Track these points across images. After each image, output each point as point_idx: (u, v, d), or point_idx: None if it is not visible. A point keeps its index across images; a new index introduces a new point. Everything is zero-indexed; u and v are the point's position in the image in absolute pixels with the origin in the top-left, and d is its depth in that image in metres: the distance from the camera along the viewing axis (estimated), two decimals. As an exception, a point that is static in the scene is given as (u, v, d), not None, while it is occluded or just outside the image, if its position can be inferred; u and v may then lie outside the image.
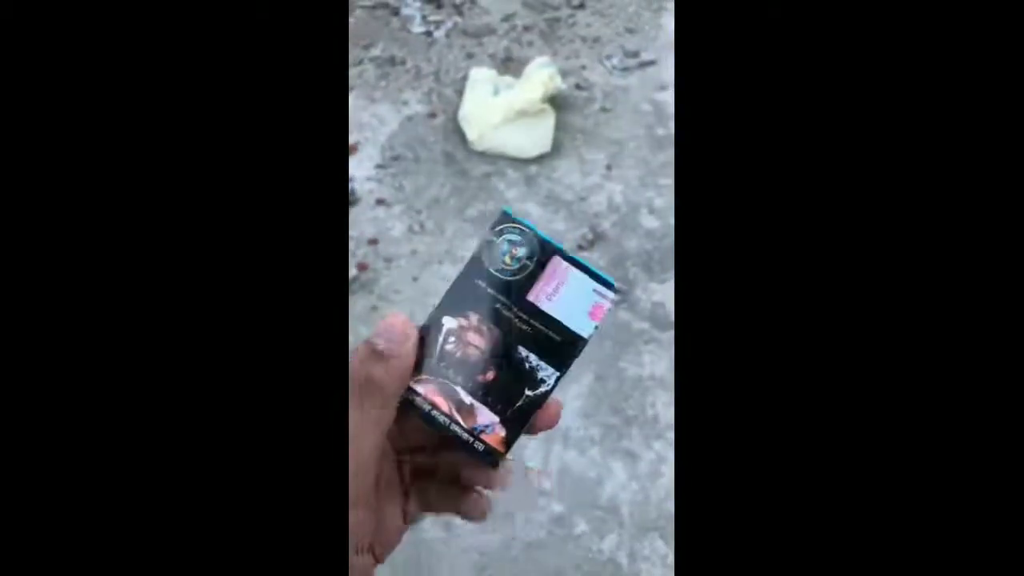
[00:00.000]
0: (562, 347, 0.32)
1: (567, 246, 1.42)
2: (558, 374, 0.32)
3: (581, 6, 1.81)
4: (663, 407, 1.20)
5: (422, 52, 1.70)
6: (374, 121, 1.56)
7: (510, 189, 1.46)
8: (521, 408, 0.31)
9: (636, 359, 1.25)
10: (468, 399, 0.31)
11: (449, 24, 1.76)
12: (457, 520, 1.08)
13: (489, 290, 0.32)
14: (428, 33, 1.74)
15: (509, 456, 0.31)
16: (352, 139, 1.51)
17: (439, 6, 1.79)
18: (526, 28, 1.76)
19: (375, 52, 1.69)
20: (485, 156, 1.50)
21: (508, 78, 1.59)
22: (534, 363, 0.32)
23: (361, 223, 1.40)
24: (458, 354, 0.32)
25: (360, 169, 1.47)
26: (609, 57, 1.70)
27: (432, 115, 1.57)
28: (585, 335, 0.32)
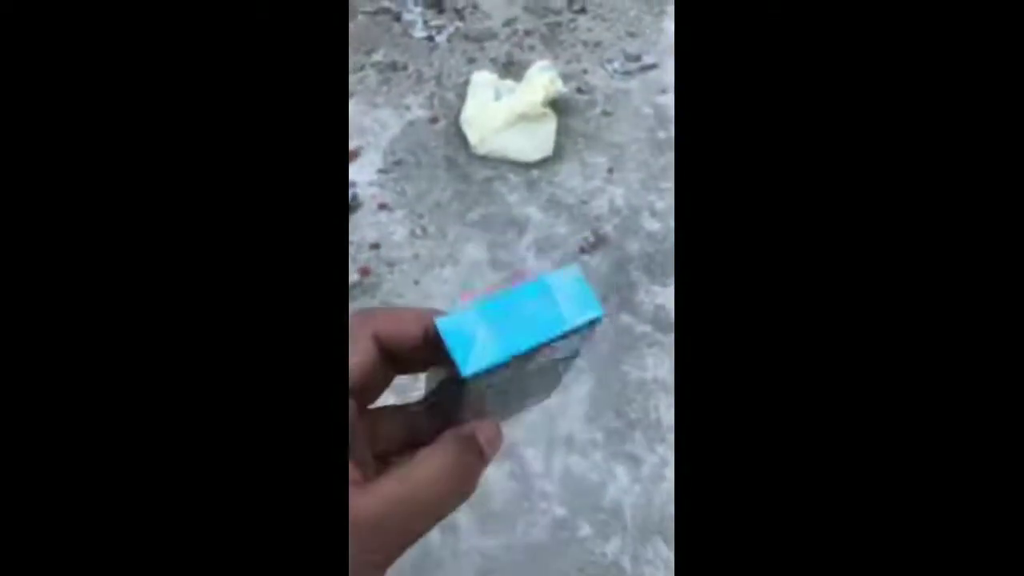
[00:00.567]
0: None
1: (568, 249, 1.41)
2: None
3: (582, 10, 1.81)
4: (666, 410, 1.19)
5: (424, 57, 1.70)
6: (376, 126, 1.57)
7: (512, 193, 1.46)
8: None
9: (639, 362, 1.24)
10: None
11: (451, 29, 1.76)
12: (459, 522, 1.08)
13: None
14: (430, 38, 1.74)
15: None
16: (354, 144, 1.52)
17: (441, 11, 1.80)
18: (527, 32, 1.76)
19: (377, 57, 1.70)
20: (487, 160, 1.50)
21: (509, 82, 1.59)
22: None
23: (363, 228, 1.40)
24: None
25: (362, 174, 1.48)
26: (610, 61, 1.70)
27: (434, 120, 1.58)
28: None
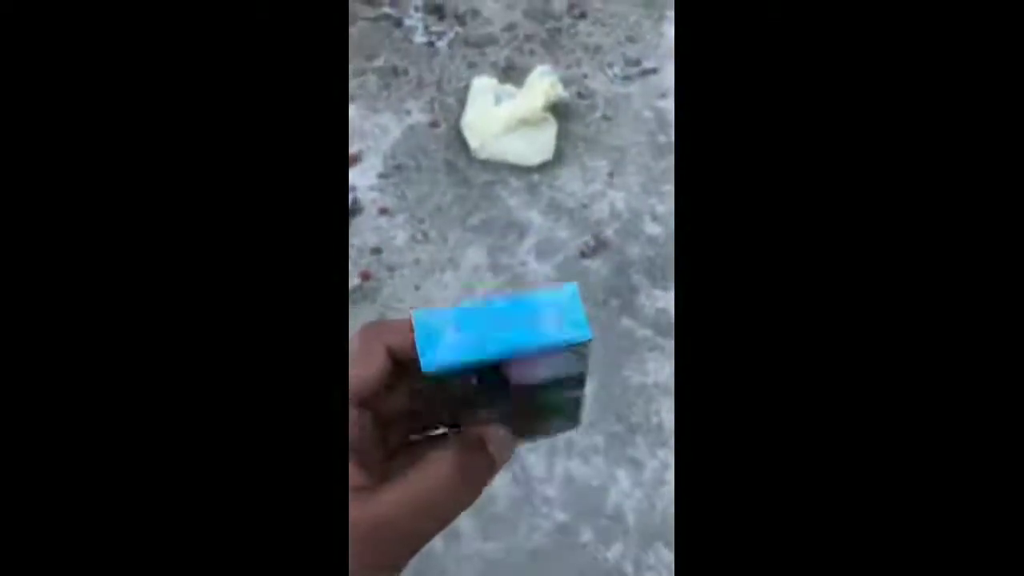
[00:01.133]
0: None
1: (569, 253, 1.41)
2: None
3: (582, 15, 1.82)
4: (667, 414, 1.19)
5: (424, 62, 1.71)
6: (376, 131, 1.57)
7: (512, 197, 1.47)
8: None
9: (640, 367, 1.24)
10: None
11: (451, 34, 1.77)
12: (461, 527, 1.07)
13: None
14: (430, 43, 1.75)
15: None
16: (355, 149, 1.52)
17: (441, 17, 1.80)
18: (527, 37, 1.77)
19: (378, 63, 1.70)
20: (487, 165, 1.50)
21: (510, 87, 1.59)
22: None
23: (364, 232, 1.40)
24: None
25: (363, 179, 1.48)
26: (610, 65, 1.70)
27: (434, 124, 1.58)
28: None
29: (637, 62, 1.70)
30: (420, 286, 1.34)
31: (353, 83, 1.63)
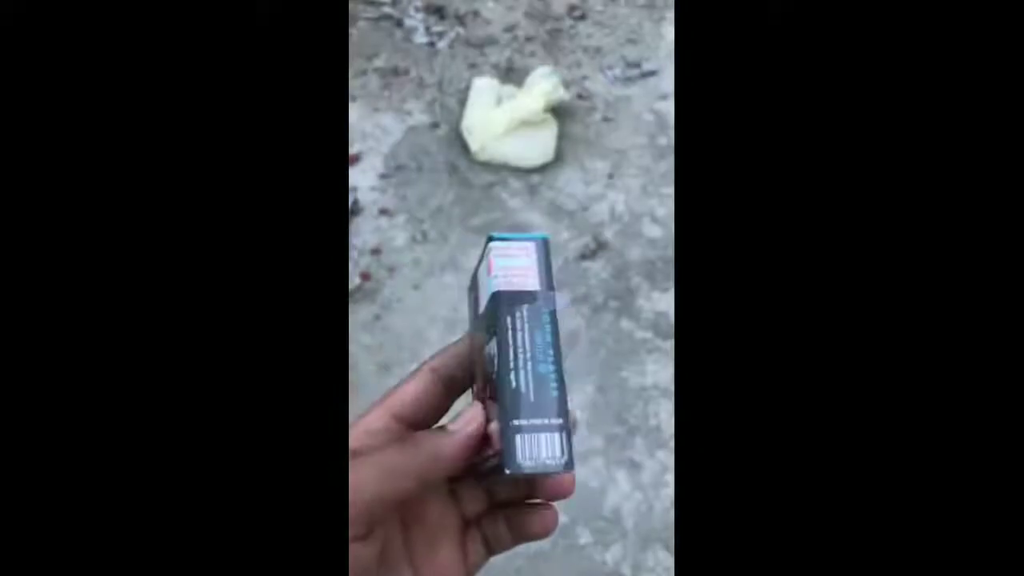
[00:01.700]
0: (486, 316, 0.28)
1: (569, 255, 1.41)
2: (495, 337, 0.27)
3: (583, 17, 1.82)
4: (666, 416, 1.19)
5: (425, 62, 1.71)
6: (377, 131, 1.57)
7: (513, 199, 1.47)
8: (495, 395, 0.27)
9: (639, 368, 1.24)
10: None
11: (452, 35, 1.77)
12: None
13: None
14: (431, 44, 1.75)
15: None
16: (355, 149, 1.52)
17: (442, 17, 1.81)
18: (528, 38, 1.77)
19: (378, 63, 1.71)
20: (488, 166, 1.50)
21: (510, 88, 1.59)
22: (491, 348, 0.28)
23: (364, 233, 1.40)
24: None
25: (363, 179, 1.48)
26: (611, 67, 1.71)
27: (435, 125, 1.58)
28: (491, 290, 0.28)
29: (637, 64, 1.70)
30: (420, 286, 1.34)
31: (354, 83, 1.63)
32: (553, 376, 0.26)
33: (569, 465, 0.25)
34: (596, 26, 1.80)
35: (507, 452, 0.25)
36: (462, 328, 0.34)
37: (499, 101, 1.54)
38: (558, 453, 0.25)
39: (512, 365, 0.26)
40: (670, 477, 1.13)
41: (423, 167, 1.51)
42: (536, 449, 0.25)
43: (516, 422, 0.25)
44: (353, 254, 1.36)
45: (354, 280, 1.33)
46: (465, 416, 0.27)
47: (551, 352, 0.27)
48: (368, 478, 0.25)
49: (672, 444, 1.16)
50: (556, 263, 1.38)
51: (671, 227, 1.42)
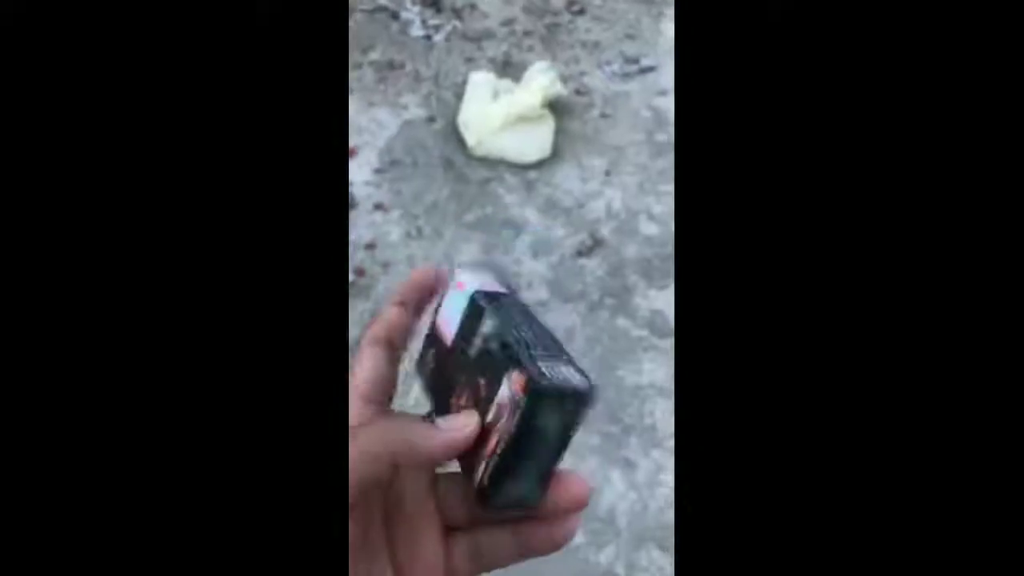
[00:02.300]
0: None
1: (565, 252, 1.40)
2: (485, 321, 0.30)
3: (581, 11, 1.81)
4: (662, 415, 1.19)
5: (421, 56, 1.69)
6: (372, 125, 1.56)
7: (509, 194, 1.46)
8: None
9: (635, 367, 1.24)
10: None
11: (448, 28, 1.76)
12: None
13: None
14: (427, 37, 1.74)
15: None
16: (350, 143, 1.51)
17: (439, 10, 1.79)
18: (526, 33, 1.76)
19: (374, 56, 1.69)
20: (484, 161, 1.49)
21: (507, 83, 1.58)
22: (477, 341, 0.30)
23: (359, 227, 1.39)
24: None
25: (358, 173, 1.47)
26: (609, 63, 1.69)
27: (431, 119, 1.57)
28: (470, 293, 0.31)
29: (636, 60, 1.69)
30: (414, 283, 1.33)
31: (349, 76, 1.62)
32: (549, 332, 0.29)
33: (593, 388, 0.26)
34: (594, 21, 1.79)
35: (534, 373, 0.26)
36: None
37: (496, 96, 1.53)
38: (579, 376, 0.26)
39: (514, 329, 0.28)
40: (665, 476, 1.12)
41: (418, 162, 1.50)
42: (558, 372, 0.26)
43: (533, 352, 0.27)
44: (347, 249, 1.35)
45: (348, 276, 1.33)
46: (459, 420, 0.27)
47: (538, 321, 0.30)
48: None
49: (667, 443, 1.16)
50: (551, 259, 1.37)
51: (668, 225, 1.41)
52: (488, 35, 1.75)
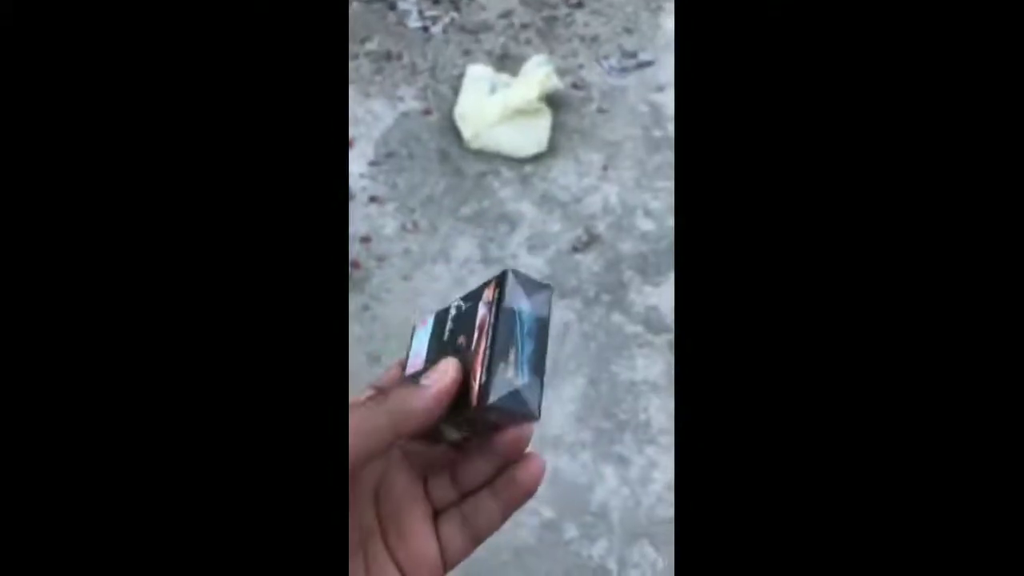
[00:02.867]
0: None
1: (561, 247, 1.40)
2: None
3: (579, 5, 1.80)
4: (656, 411, 1.19)
5: (418, 47, 1.68)
6: (368, 117, 1.55)
7: (505, 188, 1.45)
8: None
9: (629, 363, 1.24)
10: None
11: (446, 20, 1.74)
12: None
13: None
14: (425, 28, 1.72)
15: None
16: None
17: (436, 1, 1.78)
18: (523, 26, 1.75)
19: (371, 46, 1.68)
20: (480, 155, 1.49)
21: (505, 76, 1.57)
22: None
23: (354, 220, 1.38)
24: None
25: (354, 165, 1.46)
26: (607, 57, 1.69)
27: (427, 112, 1.56)
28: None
29: (634, 54, 1.69)
30: (410, 277, 1.32)
31: (345, 67, 1.61)
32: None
33: (553, 289, 0.30)
34: (593, 15, 1.78)
35: (505, 275, 0.29)
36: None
37: (493, 89, 1.52)
38: (544, 285, 0.30)
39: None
40: (658, 473, 1.13)
41: (414, 154, 1.49)
42: (525, 279, 0.29)
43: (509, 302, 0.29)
44: (342, 242, 1.35)
45: (342, 268, 1.32)
46: (439, 368, 0.27)
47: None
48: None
49: (661, 439, 1.16)
50: (547, 254, 1.37)
51: (664, 221, 1.41)
52: (486, 27, 1.74)
